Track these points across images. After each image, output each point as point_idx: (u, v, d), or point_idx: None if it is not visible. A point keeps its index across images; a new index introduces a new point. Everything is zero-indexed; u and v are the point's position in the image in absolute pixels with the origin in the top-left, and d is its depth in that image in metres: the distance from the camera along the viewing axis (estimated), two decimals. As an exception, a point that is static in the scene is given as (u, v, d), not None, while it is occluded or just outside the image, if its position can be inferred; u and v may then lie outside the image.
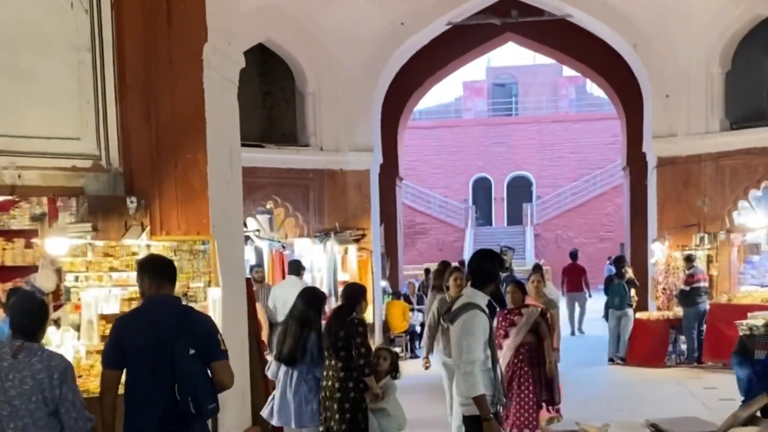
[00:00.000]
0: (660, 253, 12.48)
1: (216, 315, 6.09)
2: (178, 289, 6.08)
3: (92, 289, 5.91)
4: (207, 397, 3.93)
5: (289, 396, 6.06)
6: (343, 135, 13.11)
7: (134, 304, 5.32)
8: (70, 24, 6.12)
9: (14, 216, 6.90)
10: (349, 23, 12.62)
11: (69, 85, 6.13)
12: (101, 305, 5.88)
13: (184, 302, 6.05)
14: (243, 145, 10.24)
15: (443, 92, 35.63)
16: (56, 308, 6.06)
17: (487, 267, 4.53)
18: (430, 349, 7.35)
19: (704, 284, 11.59)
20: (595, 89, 34.35)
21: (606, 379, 11.45)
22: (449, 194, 33.03)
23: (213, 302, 6.14)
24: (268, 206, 12.90)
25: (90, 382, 5.25)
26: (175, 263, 6.11)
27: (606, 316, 12.65)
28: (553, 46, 15.31)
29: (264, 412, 6.32)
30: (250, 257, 10.49)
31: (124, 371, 3.98)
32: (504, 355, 6.45)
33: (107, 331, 5.15)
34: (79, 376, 4.98)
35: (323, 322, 6.15)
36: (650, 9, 12.43)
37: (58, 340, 5.65)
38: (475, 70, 34.92)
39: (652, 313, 12.32)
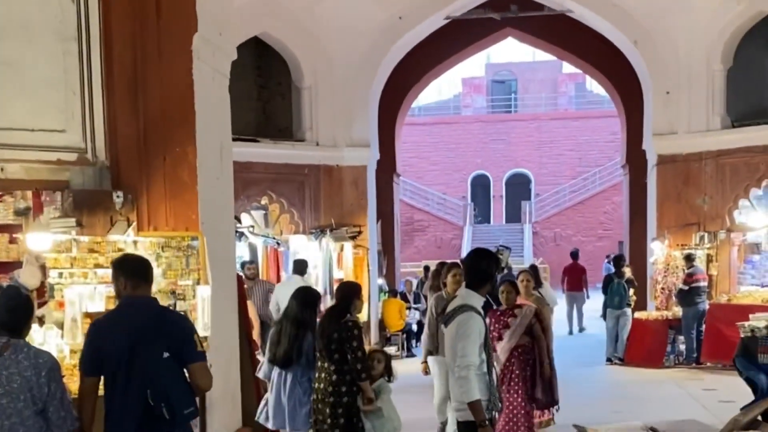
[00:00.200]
0: (659, 252, 12.35)
1: (205, 314, 5.95)
2: (166, 286, 6.01)
3: (76, 286, 5.75)
4: (182, 402, 3.82)
5: (283, 399, 5.93)
6: (340, 130, 12.96)
7: (119, 302, 5.18)
8: (55, 13, 5.95)
9: (-3, 210, 6.73)
10: (346, 17, 12.47)
11: (54, 76, 5.96)
12: (86, 303, 5.71)
13: (172, 301, 5.98)
14: (238, 139, 10.17)
15: (442, 89, 35.55)
16: (40, 305, 5.90)
17: (482, 267, 4.36)
18: (430, 351, 7.12)
19: (704, 284, 11.47)
20: (594, 86, 34.32)
21: (604, 379, 11.33)
22: (447, 191, 32.94)
23: (202, 300, 5.98)
24: (263, 202, 12.76)
25: (73, 383, 5.07)
26: (163, 260, 6.09)
27: (604, 316, 12.54)
28: (553, 41, 15.20)
29: (260, 418, 6.18)
30: (243, 254, 10.35)
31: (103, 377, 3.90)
32: (498, 359, 6.27)
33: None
34: (63, 376, 4.83)
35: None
36: (651, 5, 12.30)
37: (40, 338, 5.48)
38: (474, 66, 34.80)
39: (651, 313, 12.20)
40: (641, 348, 11.81)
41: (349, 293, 5.77)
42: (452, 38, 14.58)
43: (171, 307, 5.72)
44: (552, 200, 32.15)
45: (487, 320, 5.77)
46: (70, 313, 5.68)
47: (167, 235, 6.08)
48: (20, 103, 5.89)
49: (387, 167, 15.01)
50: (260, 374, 6.39)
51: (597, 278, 19.32)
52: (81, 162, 6.03)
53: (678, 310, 11.70)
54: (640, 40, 12.59)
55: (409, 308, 14.20)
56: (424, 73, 15.48)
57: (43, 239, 5.63)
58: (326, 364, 5.55)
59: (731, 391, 8.80)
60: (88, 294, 5.74)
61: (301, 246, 11.85)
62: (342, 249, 12.44)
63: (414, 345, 13.72)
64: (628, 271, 12.40)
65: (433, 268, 9.85)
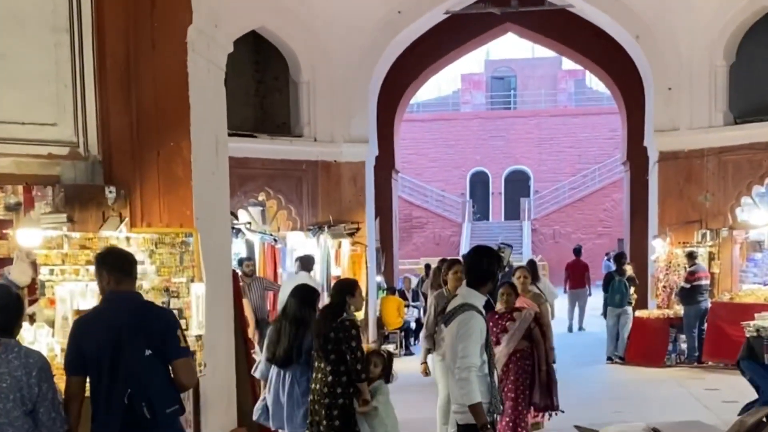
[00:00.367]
0: (661, 249, 12.24)
1: (199, 312, 5.82)
2: (159, 284, 5.88)
3: (68, 284, 5.60)
4: (164, 401, 3.75)
5: (282, 399, 5.81)
6: (338, 126, 12.83)
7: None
8: (46, 3, 5.78)
9: (-13, 206, 6.58)
10: (345, 11, 12.33)
11: (45, 68, 5.80)
12: (77, 300, 5.57)
13: (165, 299, 5.85)
14: (235, 134, 10.05)
15: (441, 85, 35.40)
16: (31, 303, 5.78)
17: (483, 265, 4.23)
18: (429, 349, 6.92)
19: (706, 282, 11.38)
20: (594, 83, 34.26)
21: (604, 378, 11.23)
22: (446, 188, 32.86)
23: (196, 298, 5.85)
24: (260, 198, 12.64)
25: (64, 383, 4.96)
26: (157, 257, 5.95)
27: (605, 314, 12.44)
28: (554, 37, 15.10)
29: (260, 418, 6.04)
30: (240, 251, 10.23)
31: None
32: (496, 364, 6.10)
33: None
34: (53, 376, 4.72)
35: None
36: (653, -1, 12.18)
37: (31, 337, 5.35)
38: (473, 62, 34.73)
39: (652, 311, 12.09)
40: (642, 347, 11.70)
41: (342, 291, 5.59)
42: (451, 33, 14.46)
43: (164, 305, 5.61)
44: (551, 197, 32.09)
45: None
46: (62, 310, 5.54)
47: (161, 231, 5.94)
48: (10, 95, 5.73)
49: (385, 164, 14.90)
50: (257, 374, 6.25)
51: (596, 276, 19.25)
52: (72, 156, 5.88)
53: (679, 309, 11.61)
54: (641, 35, 12.47)
55: (407, 306, 14.10)
56: (423, 69, 15.37)
57: (33, 235, 5.48)
58: (322, 365, 5.41)
59: (734, 391, 8.71)
60: (79, 291, 5.59)
61: (299, 243, 11.75)
62: (340, 246, 12.33)
63: (412, 343, 13.63)
64: (629, 269, 12.32)
65: (434, 266, 9.73)
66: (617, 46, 13.29)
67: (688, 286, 11.28)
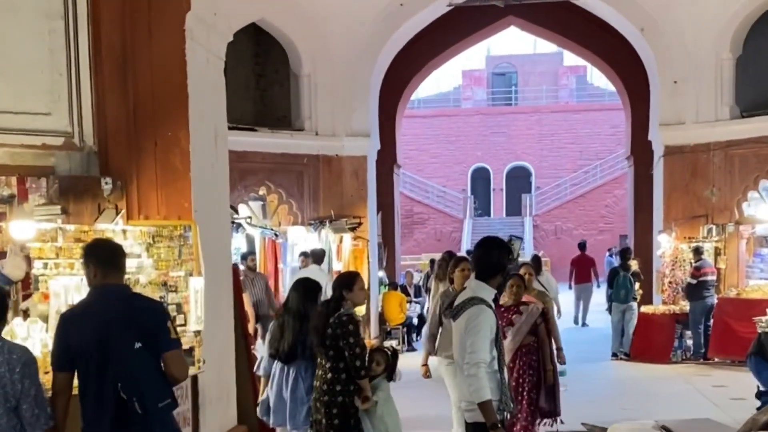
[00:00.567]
0: (666, 245, 12.08)
1: (198, 306, 5.67)
2: (157, 278, 5.72)
3: (62, 278, 5.45)
4: (156, 395, 3.65)
5: (285, 395, 5.65)
6: (339, 119, 12.67)
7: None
8: (40, -11, 5.65)
9: (-20, 198, 6.42)
10: (346, 3, 12.16)
11: (39, 56, 5.65)
12: (72, 295, 5.41)
13: (163, 293, 5.69)
14: (235, 128, 9.90)
15: (442, 81, 35.28)
16: (25, 297, 5.63)
17: (493, 257, 4.07)
18: (431, 351, 6.66)
19: (712, 278, 11.23)
20: (595, 79, 34.16)
21: (610, 375, 11.09)
22: (447, 184, 32.73)
23: (195, 292, 5.69)
24: (260, 192, 12.48)
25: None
26: (154, 250, 5.80)
27: (609, 309, 12.29)
28: (557, 30, 14.93)
29: (264, 417, 5.88)
30: (241, 245, 10.10)
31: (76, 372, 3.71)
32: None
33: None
34: (46, 372, 4.57)
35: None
36: (658, -9, 12.02)
37: (24, 332, 5.20)
38: (474, 58, 34.54)
39: (658, 307, 11.94)
40: (647, 343, 11.56)
41: (339, 286, 5.30)
42: (454, 27, 14.30)
43: (162, 299, 5.46)
44: (553, 193, 31.98)
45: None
46: (56, 305, 5.38)
47: (158, 224, 5.79)
48: (3, 84, 5.59)
49: (387, 158, 14.75)
50: (260, 371, 6.09)
51: (599, 272, 19.09)
52: (67, 146, 5.73)
53: (685, 305, 11.47)
54: (646, 27, 12.30)
55: (409, 301, 13.96)
56: (425, 63, 15.20)
57: (26, 228, 5.32)
58: (322, 361, 5.25)
59: (741, 388, 8.56)
60: (74, 285, 5.43)
61: (300, 237, 11.62)
62: (341, 240, 12.18)
63: (414, 339, 13.50)
64: (634, 264, 12.18)
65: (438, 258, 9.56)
66: (621, 39, 13.12)
67: (694, 281, 11.14)
